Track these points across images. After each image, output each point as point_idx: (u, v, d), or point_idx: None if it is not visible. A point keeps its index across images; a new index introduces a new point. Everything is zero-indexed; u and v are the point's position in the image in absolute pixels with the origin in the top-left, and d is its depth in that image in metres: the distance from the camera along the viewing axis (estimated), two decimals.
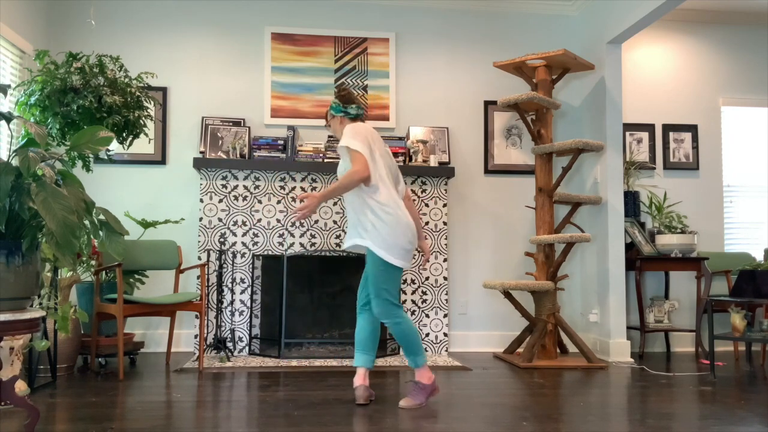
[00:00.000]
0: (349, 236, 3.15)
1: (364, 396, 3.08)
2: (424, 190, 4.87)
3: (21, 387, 3.17)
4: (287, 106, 5.01)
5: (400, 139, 4.94)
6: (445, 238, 4.86)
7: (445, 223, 4.88)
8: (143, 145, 4.82)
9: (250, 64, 5.05)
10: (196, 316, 4.63)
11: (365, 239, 3.04)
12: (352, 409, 2.98)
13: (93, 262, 4.14)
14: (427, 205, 4.87)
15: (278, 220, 4.71)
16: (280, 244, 4.70)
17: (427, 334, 4.80)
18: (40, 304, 3.53)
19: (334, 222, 4.75)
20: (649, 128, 5.40)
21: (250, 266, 4.67)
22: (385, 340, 4.69)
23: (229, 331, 4.61)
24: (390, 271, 3.03)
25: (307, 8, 5.13)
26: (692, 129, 5.43)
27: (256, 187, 4.72)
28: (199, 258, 4.62)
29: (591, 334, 4.96)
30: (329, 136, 4.91)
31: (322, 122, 5.03)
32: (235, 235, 4.67)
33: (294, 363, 4.24)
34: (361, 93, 5.10)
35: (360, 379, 3.12)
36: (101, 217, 2.54)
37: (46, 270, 3.60)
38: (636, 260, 4.85)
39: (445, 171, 4.82)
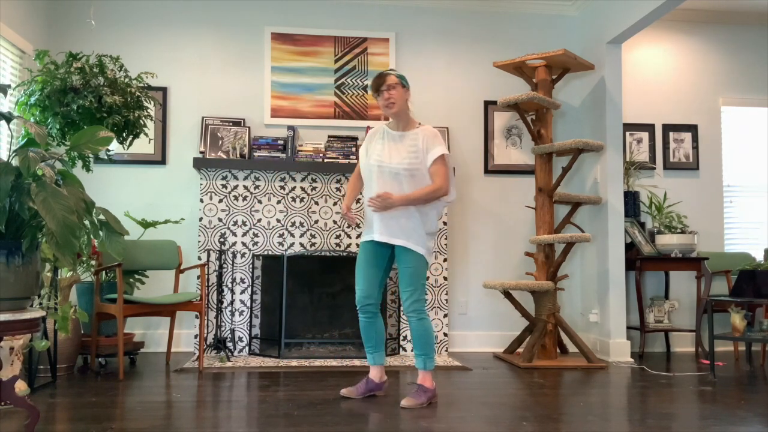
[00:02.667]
0: (399, 235, 3.12)
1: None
2: None
3: (21, 387, 3.17)
4: (287, 106, 5.01)
5: None
6: (445, 238, 4.86)
7: (445, 223, 4.88)
8: (143, 145, 4.82)
9: (250, 64, 5.05)
10: (196, 316, 4.63)
11: (413, 242, 3.13)
12: (352, 409, 2.98)
13: (93, 262, 4.14)
14: None
15: (278, 220, 4.71)
16: (280, 244, 4.70)
17: None
18: (40, 304, 3.53)
19: (334, 222, 4.75)
20: (649, 128, 5.40)
21: (250, 266, 4.67)
22: (385, 340, 4.68)
23: (229, 331, 4.61)
24: (427, 268, 3.21)
25: (307, 8, 5.13)
26: (692, 129, 5.43)
27: (256, 187, 4.72)
28: (199, 258, 4.63)
29: (591, 334, 4.96)
30: (330, 136, 4.90)
31: (322, 122, 5.03)
32: (235, 235, 4.67)
33: (294, 363, 4.24)
34: (361, 93, 5.11)
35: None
36: (101, 217, 2.54)
37: (46, 270, 3.60)
38: (636, 260, 4.85)
39: None
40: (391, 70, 3.24)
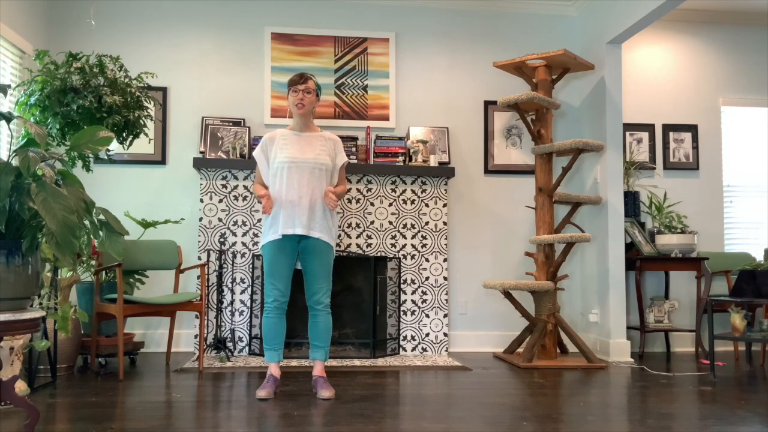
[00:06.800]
0: (318, 228, 3.27)
1: None
2: (424, 190, 4.87)
3: (21, 387, 3.17)
4: (287, 106, 5.01)
5: (400, 139, 4.93)
6: (445, 238, 4.87)
7: (445, 223, 4.88)
8: (143, 145, 4.82)
9: (250, 64, 5.05)
10: (196, 316, 4.63)
11: (329, 237, 3.32)
12: (352, 409, 2.98)
13: (93, 262, 4.14)
14: (427, 205, 4.87)
15: None
16: None
17: (427, 334, 4.80)
18: (40, 304, 3.53)
19: None
20: (649, 128, 5.40)
21: (250, 266, 4.67)
22: (384, 340, 4.69)
23: (229, 331, 4.61)
24: None
25: (307, 8, 5.13)
26: (692, 129, 5.43)
27: None
28: (199, 258, 4.63)
29: (591, 334, 4.96)
30: None
31: (322, 122, 5.03)
32: (235, 235, 4.67)
33: (294, 363, 4.24)
34: (361, 93, 5.10)
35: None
36: (101, 217, 2.54)
37: (46, 270, 3.60)
38: (636, 260, 4.85)
39: (445, 171, 4.83)
40: (312, 75, 3.40)
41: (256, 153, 3.36)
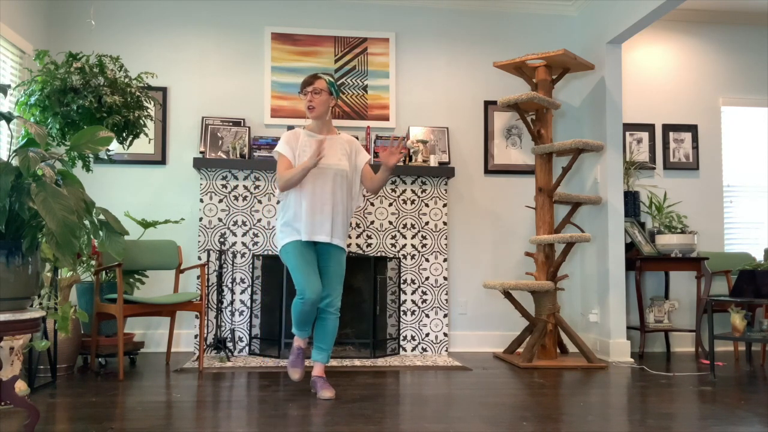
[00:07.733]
0: (336, 234, 3.25)
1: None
2: (424, 190, 4.87)
3: (21, 387, 3.17)
4: (287, 106, 5.01)
5: None
6: (445, 238, 4.87)
7: (445, 223, 4.88)
8: (143, 145, 4.82)
9: (250, 64, 5.05)
10: (196, 316, 4.63)
11: (344, 242, 3.32)
12: (352, 409, 2.98)
13: (93, 262, 4.14)
14: (427, 205, 4.87)
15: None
16: None
17: (427, 334, 4.80)
18: (40, 304, 3.53)
19: None
20: (649, 128, 5.40)
21: (250, 266, 4.67)
22: (384, 340, 4.69)
23: (229, 331, 4.61)
24: None
25: (307, 8, 5.13)
26: (692, 129, 5.43)
27: (256, 187, 4.72)
28: (199, 258, 4.63)
29: (591, 334, 4.96)
30: None
31: None
32: (235, 235, 4.67)
33: None
34: (361, 93, 5.10)
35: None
36: (101, 217, 2.53)
37: (46, 270, 3.60)
38: (636, 260, 4.85)
39: (445, 171, 4.83)
40: (325, 74, 3.32)
41: (281, 148, 3.25)
